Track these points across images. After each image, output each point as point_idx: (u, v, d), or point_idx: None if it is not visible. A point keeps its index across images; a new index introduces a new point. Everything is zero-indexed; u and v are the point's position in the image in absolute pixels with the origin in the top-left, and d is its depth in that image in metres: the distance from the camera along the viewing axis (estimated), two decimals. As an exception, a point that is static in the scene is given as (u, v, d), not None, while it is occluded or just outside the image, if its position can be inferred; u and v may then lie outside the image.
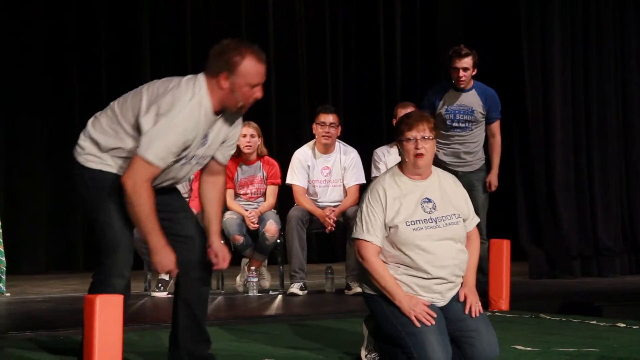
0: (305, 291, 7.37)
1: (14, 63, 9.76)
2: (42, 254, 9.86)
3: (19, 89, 9.78)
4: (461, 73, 7.08)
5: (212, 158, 4.31)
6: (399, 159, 4.52)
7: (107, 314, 3.90)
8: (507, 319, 6.10)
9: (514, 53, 9.13)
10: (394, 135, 4.45)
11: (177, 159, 4.09)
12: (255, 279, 7.42)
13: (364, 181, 7.61)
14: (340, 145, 7.67)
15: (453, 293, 4.35)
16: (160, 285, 7.40)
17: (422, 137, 4.32)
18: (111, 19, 10.15)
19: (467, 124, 7.19)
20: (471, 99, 7.17)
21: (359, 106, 11.42)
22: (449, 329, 4.25)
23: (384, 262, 4.31)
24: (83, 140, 4.25)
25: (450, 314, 4.30)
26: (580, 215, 9.08)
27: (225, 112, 4.15)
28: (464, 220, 4.40)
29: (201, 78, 4.08)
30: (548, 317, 6.19)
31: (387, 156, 7.61)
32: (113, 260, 4.12)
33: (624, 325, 5.79)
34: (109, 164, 4.14)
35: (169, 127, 3.96)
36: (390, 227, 4.29)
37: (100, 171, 4.14)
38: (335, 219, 7.44)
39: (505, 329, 5.49)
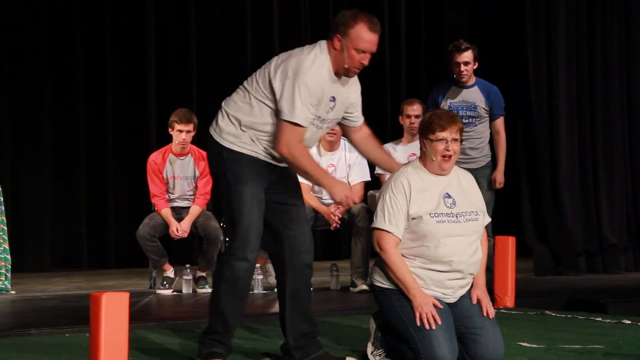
0: (310, 288, 7.35)
1: (21, 65, 9.76)
2: (46, 252, 9.86)
3: (25, 87, 9.78)
4: (462, 67, 7.10)
5: (345, 124, 4.60)
6: (405, 155, 4.55)
7: (113, 312, 3.91)
8: (513, 315, 6.10)
9: (519, 49, 9.13)
10: (419, 132, 4.48)
11: (312, 121, 4.29)
12: (260, 276, 7.42)
13: (369, 178, 7.61)
14: (345, 143, 7.65)
15: (464, 291, 4.35)
16: (165, 282, 7.41)
17: (453, 138, 4.34)
18: (116, 18, 10.15)
19: (470, 120, 7.20)
20: (474, 95, 7.19)
21: (364, 103, 11.38)
22: (455, 326, 4.26)
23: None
24: (221, 120, 4.42)
25: (457, 310, 4.30)
26: (585, 211, 9.08)
27: (344, 79, 4.41)
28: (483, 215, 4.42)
29: (322, 43, 4.37)
30: (553, 314, 6.18)
31: (393, 153, 7.58)
32: (239, 245, 4.29)
33: (630, 321, 5.79)
34: (247, 144, 4.33)
35: (301, 87, 4.21)
36: (413, 218, 4.29)
37: (238, 152, 4.33)
38: (340, 216, 7.43)
39: (511, 326, 5.49)
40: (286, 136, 4.22)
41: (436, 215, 4.28)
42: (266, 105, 4.30)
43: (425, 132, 4.38)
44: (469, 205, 4.37)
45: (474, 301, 4.32)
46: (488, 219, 4.52)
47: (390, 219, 4.29)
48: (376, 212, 4.37)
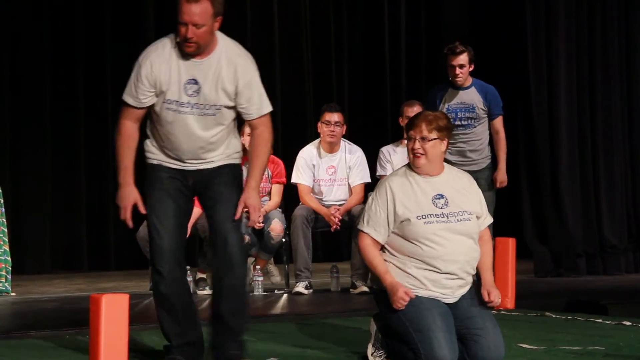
0: (311, 290, 7.37)
1: (21, 65, 9.75)
2: (47, 253, 9.86)
3: (25, 88, 9.78)
4: (457, 70, 7.09)
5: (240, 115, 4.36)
6: (405, 157, 4.55)
7: (113, 313, 3.91)
8: (513, 317, 6.09)
9: (519, 49, 9.13)
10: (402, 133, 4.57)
11: (164, 102, 4.24)
12: (261, 278, 7.41)
13: (369, 180, 7.61)
14: (345, 144, 7.66)
15: (463, 291, 4.35)
16: (165, 284, 7.39)
17: (420, 137, 4.36)
18: (116, 17, 10.15)
19: (469, 121, 7.19)
20: (471, 96, 7.18)
21: (364, 105, 11.41)
22: (456, 326, 4.26)
23: (394, 255, 4.34)
24: None
25: (458, 311, 4.31)
26: (585, 213, 9.07)
27: (220, 60, 4.25)
28: (477, 218, 4.41)
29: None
30: (553, 316, 6.18)
31: (393, 155, 7.59)
32: (154, 261, 4.34)
33: (630, 323, 5.79)
34: (153, 153, 4.50)
35: (136, 68, 4.29)
36: (401, 221, 4.32)
37: (149, 165, 4.51)
38: (341, 217, 7.43)
39: (511, 327, 5.49)
40: (121, 111, 4.35)
41: (424, 217, 4.31)
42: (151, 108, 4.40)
43: (406, 131, 4.48)
44: (462, 205, 4.38)
45: (486, 298, 4.32)
46: (490, 220, 4.52)
47: (369, 221, 4.41)
48: (362, 213, 4.49)
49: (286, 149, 9.48)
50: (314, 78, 11.11)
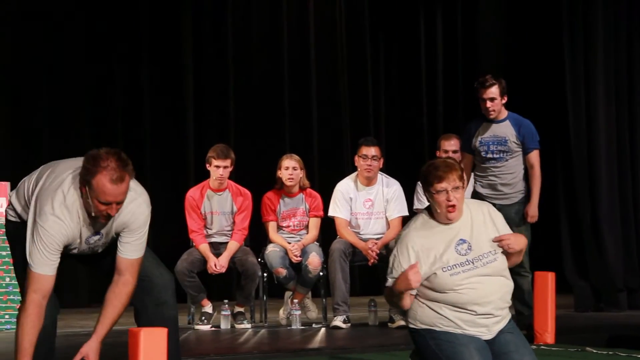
0: (349, 324, 7.34)
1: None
2: (84, 288, 9.88)
3: (63, 122, 9.82)
4: (488, 104, 7.04)
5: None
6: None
7: (152, 348, 3.91)
8: (553, 352, 6.03)
9: (557, 84, 9.08)
10: (421, 183, 4.44)
11: (69, 250, 4.18)
12: (299, 312, 7.40)
13: (406, 213, 7.59)
14: (382, 177, 7.66)
15: (500, 326, 4.31)
16: (203, 318, 7.41)
17: (453, 187, 4.28)
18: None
19: (501, 154, 7.13)
20: (504, 129, 7.12)
21: (401, 138, 11.41)
22: (494, 363, 4.22)
23: (425, 303, 4.32)
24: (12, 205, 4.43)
25: (495, 347, 4.27)
26: (625, 246, 8.98)
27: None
28: (502, 253, 4.35)
29: (76, 181, 4.11)
30: (595, 351, 6.11)
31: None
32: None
33: (673, 358, 5.71)
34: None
35: (41, 234, 4.06)
36: (427, 277, 4.28)
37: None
38: (378, 251, 7.42)
39: (552, 363, 5.43)
40: (28, 280, 4.11)
41: (449, 268, 4.26)
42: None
43: (425, 184, 4.34)
44: (486, 246, 4.31)
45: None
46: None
47: (392, 273, 4.35)
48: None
49: (323, 182, 9.47)
50: (350, 111, 11.14)
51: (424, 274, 4.25)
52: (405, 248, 4.32)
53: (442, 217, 4.31)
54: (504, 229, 4.40)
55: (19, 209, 4.33)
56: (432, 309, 4.30)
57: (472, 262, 4.26)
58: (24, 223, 4.23)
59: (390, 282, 4.33)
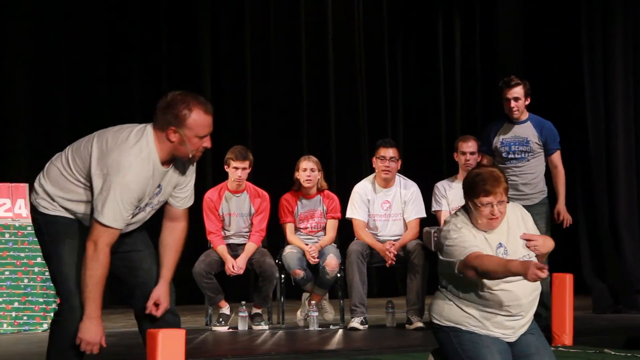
0: (366, 325, 7.34)
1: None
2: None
3: (81, 125, 9.87)
4: (512, 103, 7.09)
5: (167, 203, 4.32)
6: (460, 192, 4.47)
7: (170, 349, 3.93)
8: (571, 354, 6.01)
9: (575, 86, 9.06)
10: (463, 189, 4.35)
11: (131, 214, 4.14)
12: (316, 313, 7.41)
13: (424, 215, 7.59)
14: (400, 179, 7.66)
15: (524, 330, 4.31)
16: (221, 319, 7.42)
17: (499, 201, 4.26)
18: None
19: (522, 155, 7.16)
20: (526, 130, 7.16)
21: (419, 140, 11.40)
22: (514, 364, 4.22)
23: (456, 295, 4.29)
24: (37, 184, 4.26)
25: (516, 349, 4.28)
26: (644, 248, 8.94)
27: (176, 161, 4.20)
28: (536, 256, 4.34)
29: (149, 131, 4.10)
30: (613, 352, 6.09)
31: (448, 190, 7.57)
32: (66, 308, 4.30)
33: (692, 360, 5.69)
34: (61, 210, 4.20)
35: (120, 188, 4.01)
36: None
37: (54, 216, 4.20)
38: (396, 252, 7.42)
39: (570, 365, 5.42)
40: (96, 235, 4.06)
41: None
42: (83, 185, 4.14)
43: (470, 194, 4.28)
44: (520, 250, 4.31)
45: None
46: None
47: (464, 244, 4.19)
48: (449, 249, 4.25)
49: (341, 184, 9.48)
50: (368, 113, 11.14)
51: None
52: (467, 230, 4.26)
53: (482, 226, 4.30)
54: (532, 229, 4.41)
55: (59, 193, 4.16)
56: (460, 307, 4.29)
57: None
58: (64, 217, 4.17)
59: (469, 249, 4.14)
